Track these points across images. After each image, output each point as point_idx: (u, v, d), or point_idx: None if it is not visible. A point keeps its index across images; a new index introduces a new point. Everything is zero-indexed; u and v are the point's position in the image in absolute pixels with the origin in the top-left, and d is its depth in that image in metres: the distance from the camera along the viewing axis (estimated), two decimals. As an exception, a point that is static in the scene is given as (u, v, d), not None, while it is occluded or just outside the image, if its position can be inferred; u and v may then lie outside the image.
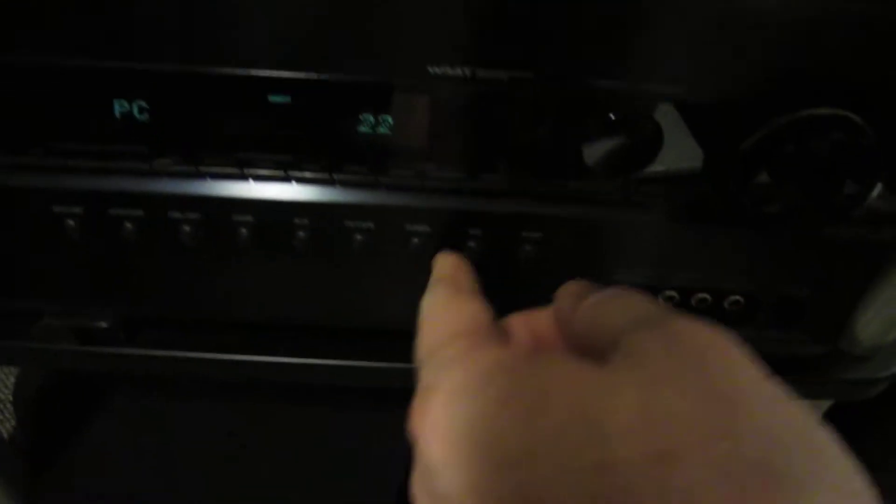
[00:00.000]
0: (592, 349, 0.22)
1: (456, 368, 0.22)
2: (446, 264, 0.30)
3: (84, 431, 0.73)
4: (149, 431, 0.73)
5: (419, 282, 0.29)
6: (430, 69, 0.27)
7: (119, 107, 0.29)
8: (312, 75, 0.28)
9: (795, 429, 0.17)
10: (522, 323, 0.28)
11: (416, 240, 0.33)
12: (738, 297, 0.36)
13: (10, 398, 0.86)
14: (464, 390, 0.21)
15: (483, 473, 0.18)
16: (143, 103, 0.29)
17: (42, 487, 0.70)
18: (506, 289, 0.36)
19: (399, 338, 0.31)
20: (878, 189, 0.30)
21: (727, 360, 0.18)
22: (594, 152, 0.30)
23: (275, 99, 0.29)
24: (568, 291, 0.26)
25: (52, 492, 0.70)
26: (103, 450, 0.72)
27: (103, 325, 0.40)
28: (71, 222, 0.33)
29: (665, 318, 0.20)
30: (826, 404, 0.54)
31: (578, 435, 0.17)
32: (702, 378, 0.18)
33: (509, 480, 0.18)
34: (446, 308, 0.27)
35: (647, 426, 0.17)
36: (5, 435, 0.77)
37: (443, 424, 0.20)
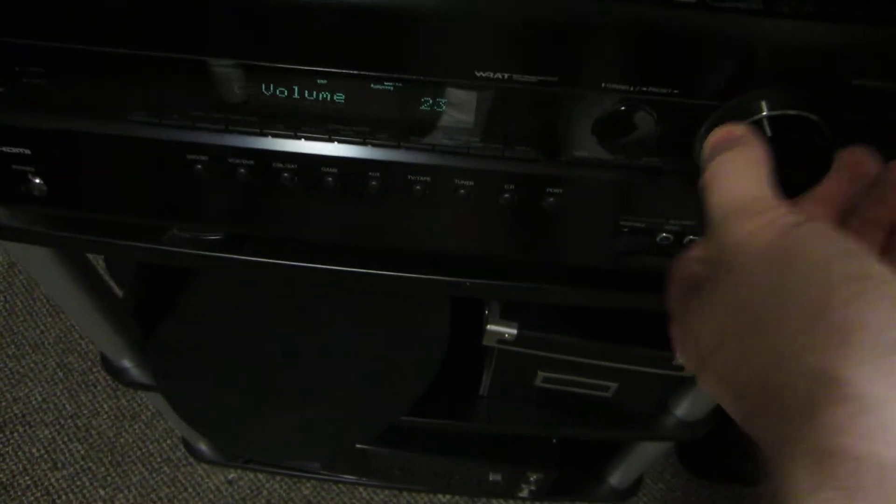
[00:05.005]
0: None
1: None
2: (737, 132, 0.33)
3: (180, 294, 0.86)
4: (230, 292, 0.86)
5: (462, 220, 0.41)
6: (478, 73, 0.36)
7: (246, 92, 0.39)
8: (388, 74, 0.37)
9: None
10: None
11: (462, 191, 0.43)
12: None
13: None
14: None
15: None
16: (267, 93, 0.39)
17: (149, 339, 0.84)
18: (534, 229, 0.46)
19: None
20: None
21: None
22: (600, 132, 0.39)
23: (375, 86, 0.38)
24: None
25: (156, 342, 0.84)
26: (196, 309, 0.85)
27: (216, 237, 0.52)
28: (199, 166, 0.43)
29: None
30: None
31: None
32: None
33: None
34: (745, 173, 0.31)
35: None
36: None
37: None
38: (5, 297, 1.39)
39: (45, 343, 1.35)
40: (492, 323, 0.67)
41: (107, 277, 1.09)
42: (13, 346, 1.34)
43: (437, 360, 0.80)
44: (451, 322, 0.81)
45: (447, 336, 0.80)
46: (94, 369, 1.33)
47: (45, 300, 1.39)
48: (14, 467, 1.22)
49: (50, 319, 1.37)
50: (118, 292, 1.01)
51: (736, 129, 0.34)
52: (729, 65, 0.35)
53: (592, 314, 0.69)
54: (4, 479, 1.20)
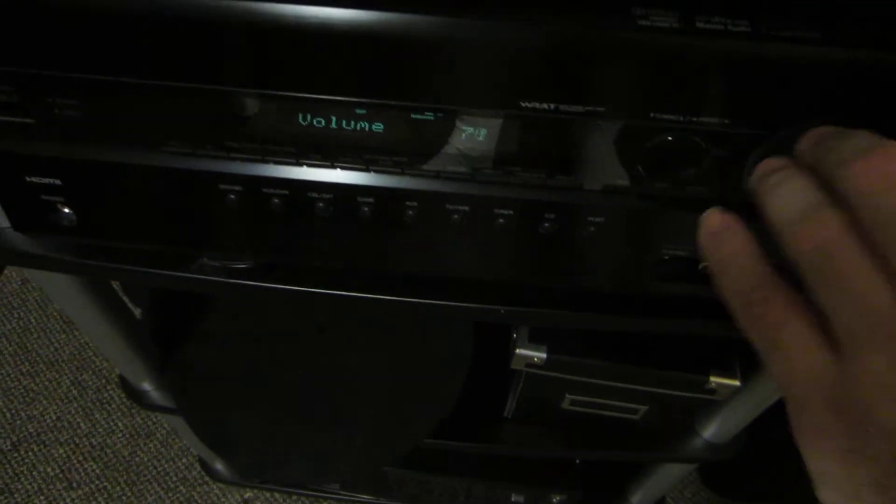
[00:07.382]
0: None
1: None
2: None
3: (199, 314, 0.85)
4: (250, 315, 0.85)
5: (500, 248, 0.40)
6: (523, 104, 0.35)
7: (282, 122, 0.38)
8: (430, 105, 0.36)
9: None
10: None
11: (501, 220, 0.42)
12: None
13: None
14: None
15: None
16: (304, 123, 0.38)
17: (169, 362, 0.83)
18: (573, 257, 0.45)
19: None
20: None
21: None
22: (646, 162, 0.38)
23: (415, 116, 0.37)
24: None
25: (176, 365, 0.83)
26: (216, 330, 0.84)
27: (245, 265, 0.51)
28: (232, 196, 0.42)
29: None
30: None
31: None
32: None
33: None
34: None
35: None
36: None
37: None
38: (19, 314, 1.39)
39: (60, 360, 1.34)
40: (520, 347, 0.66)
41: (125, 297, 1.08)
42: (27, 364, 1.34)
43: (460, 381, 0.79)
44: (476, 343, 0.80)
45: (471, 357, 0.79)
46: (109, 387, 1.32)
47: (59, 317, 1.38)
48: (29, 487, 1.21)
49: (64, 336, 1.37)
50: (136, 310, 1.00)
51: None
52: (783, 95, 0.34)
53: (622, 336, 0.68)
54: (20, 500, 1.20)
